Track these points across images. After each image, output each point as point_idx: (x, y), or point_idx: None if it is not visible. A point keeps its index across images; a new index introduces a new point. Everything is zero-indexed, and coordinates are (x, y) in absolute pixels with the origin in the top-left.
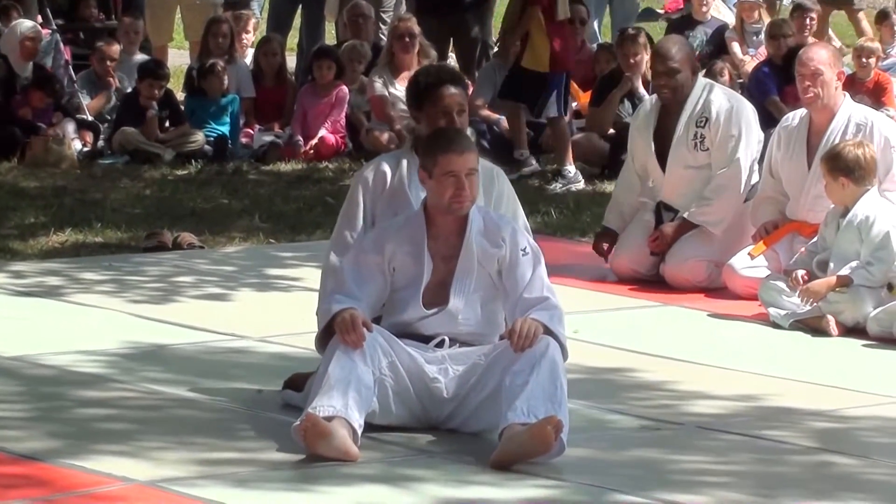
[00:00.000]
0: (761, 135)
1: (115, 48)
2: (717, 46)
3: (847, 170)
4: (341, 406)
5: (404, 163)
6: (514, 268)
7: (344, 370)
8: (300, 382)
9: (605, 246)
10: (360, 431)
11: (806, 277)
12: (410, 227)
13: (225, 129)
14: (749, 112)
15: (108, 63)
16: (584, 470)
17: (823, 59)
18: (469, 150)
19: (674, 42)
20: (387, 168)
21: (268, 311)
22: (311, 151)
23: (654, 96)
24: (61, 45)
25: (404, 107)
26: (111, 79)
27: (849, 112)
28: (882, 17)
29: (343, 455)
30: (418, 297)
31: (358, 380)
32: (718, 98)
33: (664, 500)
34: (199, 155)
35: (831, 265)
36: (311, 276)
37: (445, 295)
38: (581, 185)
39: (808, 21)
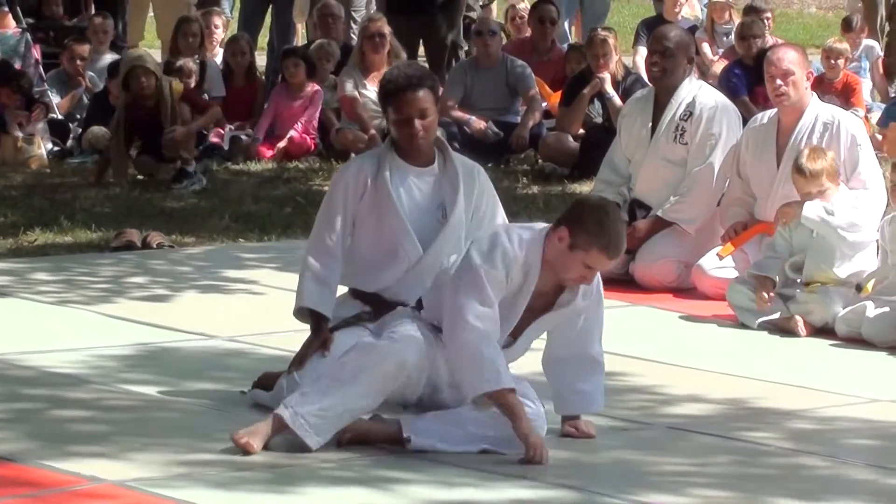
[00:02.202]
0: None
1: (86, 47)
2: None
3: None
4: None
5: (386, 163)
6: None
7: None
8: (269, 382)
9: None
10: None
11: (772, 295)
12: None
13: None
14: (733, 116)
15: (79, 62)
16: (565, 472)
17: (793, 59)
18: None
19: (674, 28)
20: (367, 168)
21: (237, 312)
22: (280, 151)
23: (649, 89)
24: (31, 43)
25: (375, 107)
26: (81, 78)
27: (816, 111)
28: (846, 24)
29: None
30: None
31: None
32: (706, 96)
33: (645, 502)
34: None
35: (807, 267)
36: (280, 277)
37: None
38: None
39: (764, 21)
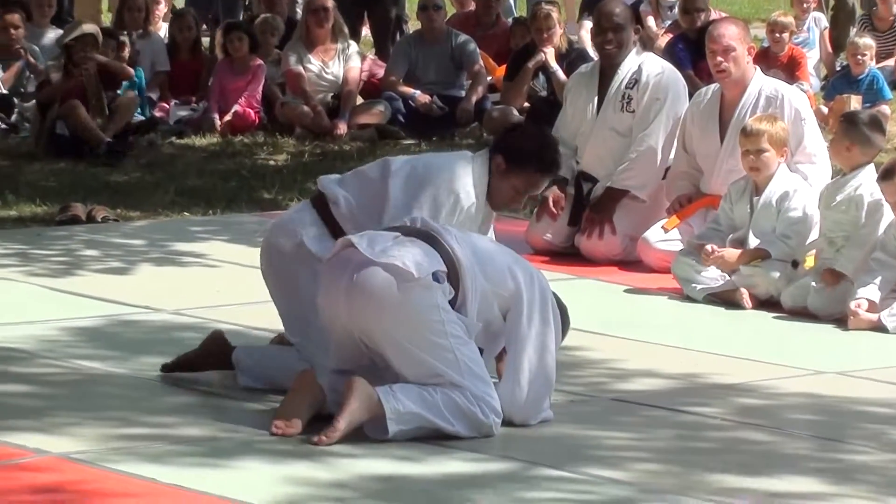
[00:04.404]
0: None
1: (16, 17)
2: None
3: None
4: None
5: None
6: None
7: None
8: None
9: (556, 195)
10: None
11: (716, 250)
12: None
13: None
14: (679, 83)
15: (12, 32)
16: (505, 445)
17: (734, 34)
18: None
19: (617, 3)
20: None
21: (182, 285)
22: (226, 126)
23: (593, 63)
24: None
25: (318, 80)
26: (20, 49)
27: (759, 85)
28: None
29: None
30: None
31: None
32: (652, 64)
33: (585, 475)
34: None
35: (750, 243)
36: (229, 249)
37: None
38: None
39: None
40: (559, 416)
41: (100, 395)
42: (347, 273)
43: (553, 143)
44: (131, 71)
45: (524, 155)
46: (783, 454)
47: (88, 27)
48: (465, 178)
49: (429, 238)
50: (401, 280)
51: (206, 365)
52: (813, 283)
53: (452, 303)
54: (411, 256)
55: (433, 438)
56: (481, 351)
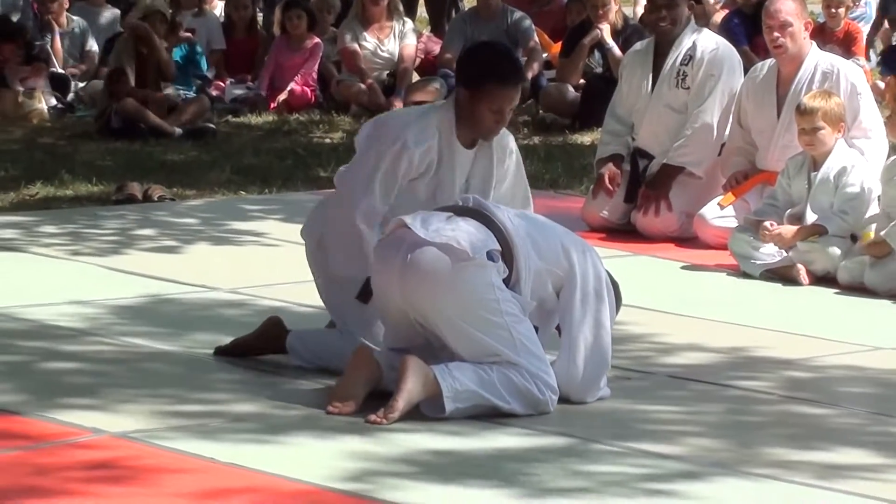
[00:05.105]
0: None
1: None
2: None
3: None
4: None
5: (449, 143)
6: None
7: None
8: (242, 348)
9: (612, 171)
10: None
11: (774, 226)
12: None
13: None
14: (734, 59)
15: (50, 4)
16: (558, 420)
17: (791, 9)
18: None
19: None
20: (434, 148)
21: (238, 264)
22: (281, 104)
23: (648, 39)
24: None
25: (374, 58)
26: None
27: (815, 60)
28: None
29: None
30: None
31: None
32: (707, 40)
33: (639, 450)
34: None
35: (808, 219)
36: (285, 228)
37: None
38: None
39: None
40: (611, 390)
41: (154, 373)
42: (401, 253)
43: (506, 52)
44: (174, 73)
45: (479, 72)
46: (836, 428)
47: (156, 3)
48: (419, 122)
49: (482, 217)
50: (455, 259)
51: (261, 349)
52: (868, 259)
53: (506, 281)
54: (466, 235)
55: (489, 415)
56: (536, 329)
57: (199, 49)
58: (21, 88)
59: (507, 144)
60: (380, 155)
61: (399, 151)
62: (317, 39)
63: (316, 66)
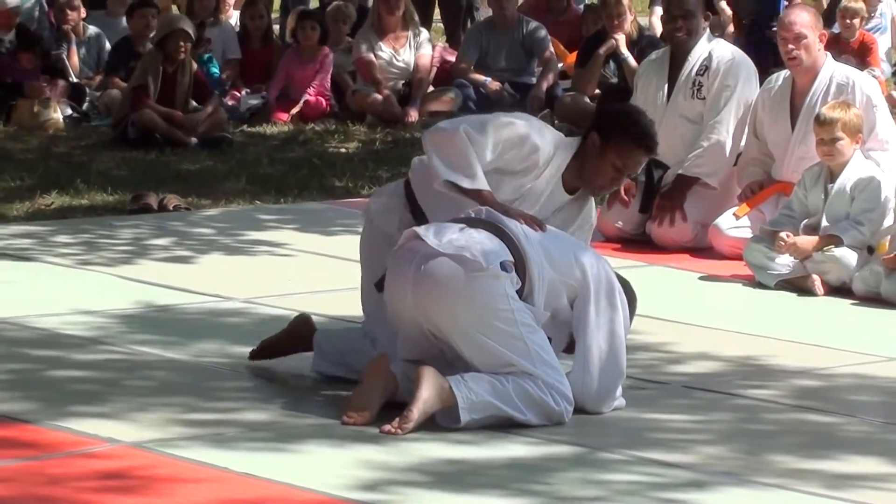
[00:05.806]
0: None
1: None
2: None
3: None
4: None
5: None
6: None
7: None
8: (273, 350)
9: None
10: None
11: (790, 237)
12: None
13: None
14: (750, 70)
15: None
16: (570, 429)
17: (806, 21)
18: None
19: None
20: (554, 163)
21: (253, 273)
22: (295, 115)
23: (663, 49)
24: (46, 7)
25: (389, 68)
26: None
27: (831, 72)
28: None
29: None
30: None
31: None
32: (722, 50)
33: (650, 459)
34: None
35: (824, 230)
36: (300, 238)
37: None
38: None
39: None
40: (627, 400)
41: (168, 382)
42: (414, 264)
43: (652, 123)
44: (212, 92)
45: (618, 126)
46: (847, 437)
47: (180, 22)
48: (554, 133)
49: (495, 229)
50: (468, 269)
51: (292, 348)
52: (883, 269)
53: (519, 293)
54: (479, 246)
55: (503, 426)
56: (550, 340)
57: (212, 58)
58: (37, 98)
59: (593, 204)
60: (512, 121)
61: (528, 132)
62: (327, 51)
63: (328, 77)
